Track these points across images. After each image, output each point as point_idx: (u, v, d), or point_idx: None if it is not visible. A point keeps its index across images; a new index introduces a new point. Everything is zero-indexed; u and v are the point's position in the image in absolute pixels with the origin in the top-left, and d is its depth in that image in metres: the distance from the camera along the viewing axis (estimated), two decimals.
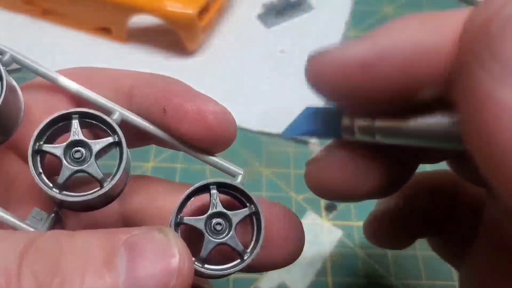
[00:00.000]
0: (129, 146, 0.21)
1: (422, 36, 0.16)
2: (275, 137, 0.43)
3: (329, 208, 0.39)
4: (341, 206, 0.39)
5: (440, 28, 0.16)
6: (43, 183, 0.19)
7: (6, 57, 0.21)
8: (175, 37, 0.46)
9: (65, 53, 0.47)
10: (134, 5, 0.44)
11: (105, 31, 0.48)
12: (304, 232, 0.22)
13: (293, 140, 0.43)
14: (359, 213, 0.39)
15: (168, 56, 0.48)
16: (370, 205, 0.39)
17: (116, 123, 0.20)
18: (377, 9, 0.56)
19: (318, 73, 0.18)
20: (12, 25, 0.49)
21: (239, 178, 0.22)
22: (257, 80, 0.47)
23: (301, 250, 0.22)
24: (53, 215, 0.21)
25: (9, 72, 0.21)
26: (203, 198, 0.21)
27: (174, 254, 0.16)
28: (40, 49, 0.47)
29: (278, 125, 0.43)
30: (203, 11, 0.45)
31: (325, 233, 0.37)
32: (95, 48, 0.48)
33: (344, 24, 0.53)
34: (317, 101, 0.47)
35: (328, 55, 0.17)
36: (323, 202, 0.39)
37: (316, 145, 0.43)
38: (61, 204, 0.21)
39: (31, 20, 0.49)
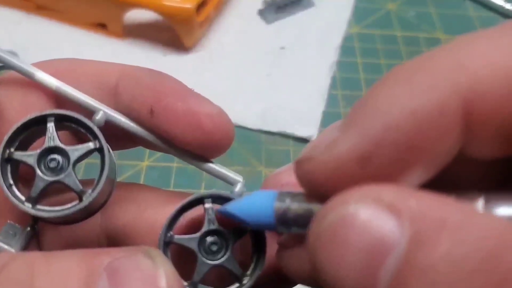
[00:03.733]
0: (115, 147, 0.19)
1: (419, 101, 0.13)
2: (275, 135, 0.42)
3: None
4: None
5: (433, 84, 0.13)
6: (13, 196, 0.17)
7: None
8: (172, 33, 0.45)
9: (60, 49, 0.46)
10: None
11: (100, 26, 0.47)
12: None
13: (292, 138, 0.42)
14: None
15: (166, 52, 0.46)
16: None
17: (99, 125, 0.18)
18: (380, 6, 0.54)
19: (311, 179, 0.14)
20: (6, 21, 0.48)
21: (238, 187, 0.19)
22: (257, 77, 0.46)
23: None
24: (28, 229, 0.19)
25: None
26: (198, 209, 0.18)
27: (162, 283, 0.14)
28: (34, 45, 0.46)
29: (279, 123, 0.42)
30: (201, 5, 0.44)
31: None
32: (91, 44, 0.47)
33: (346, 21, 0.51)
34: (317, 99, 0.45)
35: (318, 158, 0.14)
36: None
37: None
38: (36, 218, 0.19)
39: (25, 15, 0.48)
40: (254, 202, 0.16)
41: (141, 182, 0.38)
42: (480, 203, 0.13)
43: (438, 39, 0.51)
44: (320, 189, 0.14)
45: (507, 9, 0.55)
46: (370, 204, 0.12)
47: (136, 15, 0.45)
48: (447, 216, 0.11)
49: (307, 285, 0.18)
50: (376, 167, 0.13)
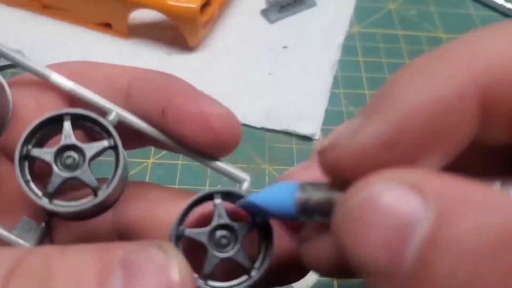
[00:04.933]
0: (126, 147, 0.19)
1: (439, 88, 0.14)
2: (279, 133, 0.42)
3: None
4: None
5: (451, 73, 0.14)
6: (31, 191, 0.18)
7: None
8: (176, 32, 0.45)
9: (66, 49, 0.46)
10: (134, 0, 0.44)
11: (106, 26, 0.47)
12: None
13: (295, 136, 0.42)
14: None
15: (170, 51, 0.47)
16: None
17: (113, 125, 0.19)
18: (381, 5, 0.55)
19: (336, 167, 0.15)
20: (13, 20, 0.48)
21: (245, 184, 0.20)
22: (260, 76, 0.46)
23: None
24: (43, 224, 0.19)
25: (2, 68, 0.19)
26: (207, 205, 0.19)
27: (175, 274, 0.15)
28: (41, 44, 0.46)
29: (282, 121, 0.43)
30: (205, 5, 0.45)
31: None
32: (96, 43, 0.47)
33: (348, 20, 0.52)
34: (319, 98, 0.46)
35: (342, 146, 0.14)
36: None
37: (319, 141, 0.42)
38: (52, 213, 0.19)
39: (32, 15, 0.49)
40: (276, 192, 0.17)
41: (147, 179, 0.39)
42: (497, 186, 0.14)
43: (439, 37, 0.52)
44: (344, 176, 0.14)
45: (508, 8, 0.55)
46: (394, 185, 0.13)
47: (141, 14, 0.46)
48: (470, 195, 0.12)
49: (329, 275, 0.19)
50: (400, 152, 0.14)
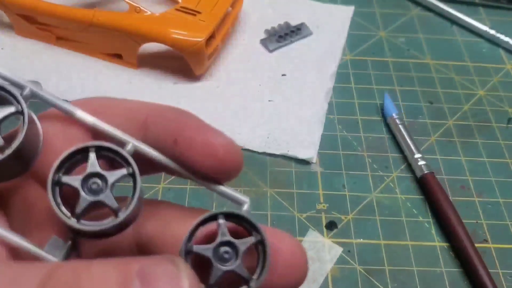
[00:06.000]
0: (141, 173, 0.22)
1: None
2: (279, 157, 0.46)
3: (330, 226, 0.41)
4: (342, 224, 0.42)
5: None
6: (62, 213, 0.21)
7: (26, 92, 0.22)
8: (183, 63, 0.49)
9: (79, 78, 0.49)
10: (144, 34, 0.47)
11: (117, 57, 0.51)
12: (307, 259, 0.23)
13: (295, 160, 0.46)
14: (358, 231, 0.41)
15: (176, 80, 0.50)
16: (369, 225, 0.42)
17: (130, 154, 0.22)
18: (372, 33, 0.58)
19: None
20: (28, 51, 0.51)
21: (245, 206, 0.23)
22: (261, 103, 0.49)
23: (305, 276, 0.23)
24: (70, 242, 0.22)
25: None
26: (212, 225, 0.22)
27: (185, 284, 0.17)
28: (55, 74, 0.50)
29: (281, 146, 0.46)
30: (210, 38, 0.48)
31: (326, 250, 0.40)
32: (108, 73, 0.50)
33: (341, 48, 0.55)
34: (316, 124, 0.48)
35: None
36: (324, 221, 0.42)
37: (317, 165, 0.45)
38: (77, 233, 0.22)
39: (46, 46, 0.52)
40: None
41: None
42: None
43: (427, 63, 0.56)
44: None
45: (491, 34, 0.59)
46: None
47: (150, 46, 0.49)
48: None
49: None
50: None
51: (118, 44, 0.49)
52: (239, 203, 0.23)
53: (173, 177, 0.43)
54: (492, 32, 0.59)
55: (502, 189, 0.45)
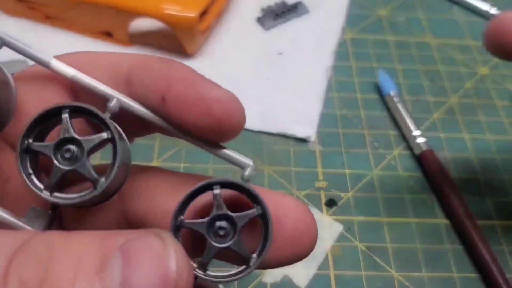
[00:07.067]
0: (132, 135, 0.20)
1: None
2: (276, 136, 0.44)
3: (330, 204, 0.40)
4: (341, 201, 0.40)
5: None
6: (32, 185, 0.18)
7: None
8: (176, 40, 0.47)
9: None
10: (134, 9, 0.46)
11: (107, 34, 0.49)
12: (316, 225, 0.20)
13: (292, 139, 0.44)
14: (359, 209, 0.40)
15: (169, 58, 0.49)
16: (370, 202, 0.40)
17: (114, 111, 0.19)
18: (372, 12, 0.57)
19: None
20: (15, 30, 0.50)
21: (248, 170, 0.20)
22: (257, 81, 0.48)
23: (314, 245, 0.20)
24: (50, 212, 0.20)
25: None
26: (208, 195, 0.19)
27: (172, 262, 0.15)
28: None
29: (278, 125, 0.45)
30: (203, 14, 0.47)
31: (326, 227, 0.38)
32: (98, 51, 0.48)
33: (340, 27, 0.54)
34: (314, 102, 0.47)
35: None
36: (323, 198, 0.40)
37: (316, 144, 0.44)
38: (56, 204, 0.20)
39: (34, 24, 0.50)
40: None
41: None
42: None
43: (427, 42, 0.54)
44: None
45: (492, 14, 0.57)
46: None
47: (141, 23, 0.47)
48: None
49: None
50: None
51: (108, 21, 0.48)
52: (242, 167, 0.20)
53: (166, 155, 0.42)
54: (493, 11, 0.57)
55: (506, 167, 0.44)
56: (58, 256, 0.15)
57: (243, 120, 0.19)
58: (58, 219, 0.21)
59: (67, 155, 0.18)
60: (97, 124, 0.19)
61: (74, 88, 0.21)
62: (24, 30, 0.50)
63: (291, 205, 0.20)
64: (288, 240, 0.19)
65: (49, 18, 0.50)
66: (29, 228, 0.19)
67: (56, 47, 0.49)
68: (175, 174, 0.22)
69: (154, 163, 0.41)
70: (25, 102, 0.20)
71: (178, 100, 0.19)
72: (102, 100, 0.20)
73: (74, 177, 0.20)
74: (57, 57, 0.21)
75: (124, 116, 0.19)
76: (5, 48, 0.20)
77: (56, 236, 0.16)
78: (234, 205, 0.19)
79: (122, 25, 0.47)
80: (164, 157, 0.42)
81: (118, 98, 0.20)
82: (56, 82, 0.21)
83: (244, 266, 0.19)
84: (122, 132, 0.20)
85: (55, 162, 0.18)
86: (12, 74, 0.20)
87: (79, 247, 0.15)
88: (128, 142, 0.20)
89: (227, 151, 0.20)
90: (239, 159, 0.20)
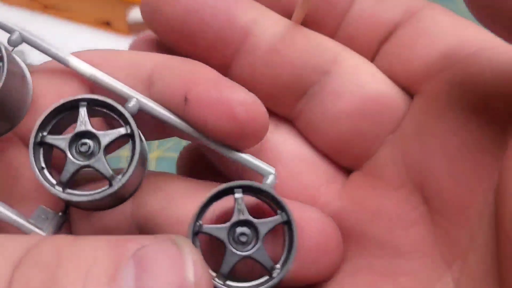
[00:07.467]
0: (149, 138, 0.19)
1: None
2: None
3: None
4: None
5: None
6: (44, 179, 0.17)
7: (14, 36, 0.20)
8: None
9: (67, 48, 0.47)
10: None
11: (106, 24, 0.49)
12: (342, 242, 0.19)
13: None
14: None
15: None
16: None
17: (132, 112, 0.18)
18: None
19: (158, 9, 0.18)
20: (13, 20, 0.49)
21: (270, 178, 0.18)
22: None
23: (340, 260, 0.19)
24: (60, 214, 0.19)
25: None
26: (229, 201, 0.18)
27: (189, 272, 0.14)
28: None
29: None
30: None
31: None
32: (97, 41, 0.48)
33: None
34: None
35: None
36: None
37: None
38: (68, 203, 0.19)
39: (32, 14, 0.50)
40: None
41: None
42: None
43: None
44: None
45: None
46: None
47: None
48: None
49: None
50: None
51: (106, 10, 0.47)
52: (263, 175, 0.19)
53: (167, 145, 0.41)
54: None
55: None
56: (66, 263, 0.14)
57: (267, 124, 0.18)
58: (66, 223, 0.20)
59: (82, 148, 0.17)
60: (115, 122, 0.18)
61: (92, 85, 0.20)
62: (22, 20, 0.49)
63: (314, 216, 0.19)
64: (312, 253, 0.18)
65: (48, 8, 0.49)
66: (37, 230, 0.18)
67: (55, 37, 0.48)
68: (192, 180, 0.21)
69: (155, 154, 0.41)
70: (41, 97, 0.19)
71: (200, 101, 0.18)
72: (121, 100, 0.19)
73: (88, 176, 0.19)
74: (75, 54, 0.20)
75: (141, 119, 0.18)
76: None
77: (64, 241, 0.15)
78: (251, 213, 0.18)
79: (121, 14, 0.47)
80: (165, 147, 0.41)
81: (138, 98, 0.19)
82: (74, 77, 0.20)
83: (266, 277, 0.17)
84: (140, 133, 0.18)
85: (69, 156, 0.17)
86: (27, 66, 0.20)
87: (89, 254, 0.14)
88: (145, 144, 0.19)
89: (249, 157, 0.19)
90: (260, 166, 0.19)
